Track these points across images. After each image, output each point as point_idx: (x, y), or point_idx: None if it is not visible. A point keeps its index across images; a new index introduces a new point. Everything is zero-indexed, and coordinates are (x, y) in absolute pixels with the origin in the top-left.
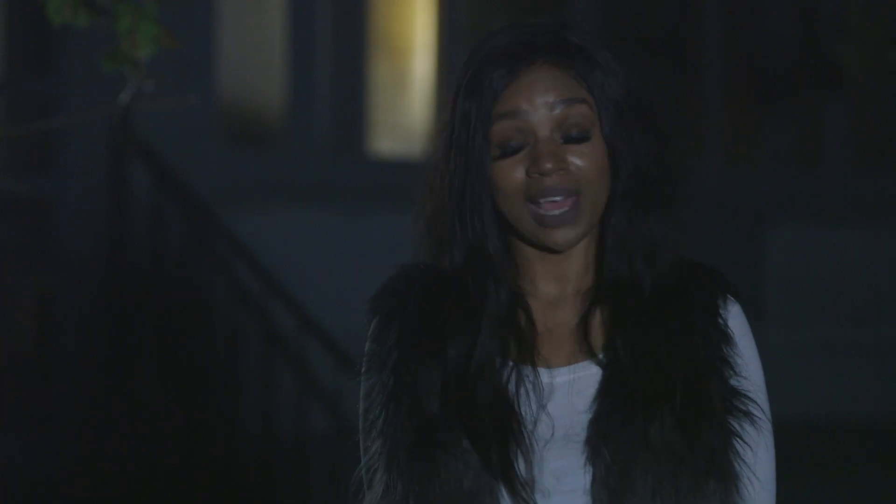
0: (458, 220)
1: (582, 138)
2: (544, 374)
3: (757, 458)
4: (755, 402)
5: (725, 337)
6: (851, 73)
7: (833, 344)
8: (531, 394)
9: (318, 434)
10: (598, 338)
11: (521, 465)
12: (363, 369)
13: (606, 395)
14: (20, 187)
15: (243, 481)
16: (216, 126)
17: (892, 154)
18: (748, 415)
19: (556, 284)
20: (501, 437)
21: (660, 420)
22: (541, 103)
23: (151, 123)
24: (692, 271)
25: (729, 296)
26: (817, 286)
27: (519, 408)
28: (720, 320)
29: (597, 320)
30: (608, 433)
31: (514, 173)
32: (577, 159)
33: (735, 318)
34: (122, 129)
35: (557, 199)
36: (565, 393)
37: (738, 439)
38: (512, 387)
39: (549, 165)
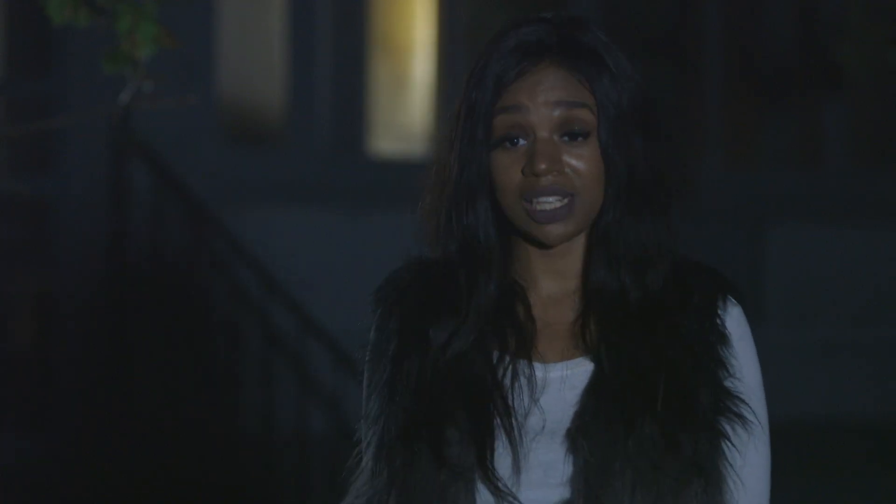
0: (455, 208)
1: (581, 133)
2: (539, 368)
3: (745, 461)
4: (747, 404)
5: (722, 337)
6: (851, 73)
7: (833, 344)
8: (524, 387)
9: (318, 434)
10: (594, 335)
11: (508, 457)
12: (367, 358)
13: (593, 393)
14: (20, 187)
15: (243, 481)
16: (216, 126)
17: (892, 154)
18: (740, 417)
19: (557, 281)
20: (482, 428)
21: (640, 430)
22: (542, 102)
23: (151, 123)
24: (692, 272)
25: (729, 297)
26: (817, 286)
27: (512, 400)
28: (718, 321)
29: (594, 318)
30: (589, 428)
31: (511, 170)
32: (573, 161)
33: (734, 320)
34: (122, 129)
35: (551, 199)
36: (558, 388)
37: (727, 441)
38: (507, 380)
39: (543, 166)
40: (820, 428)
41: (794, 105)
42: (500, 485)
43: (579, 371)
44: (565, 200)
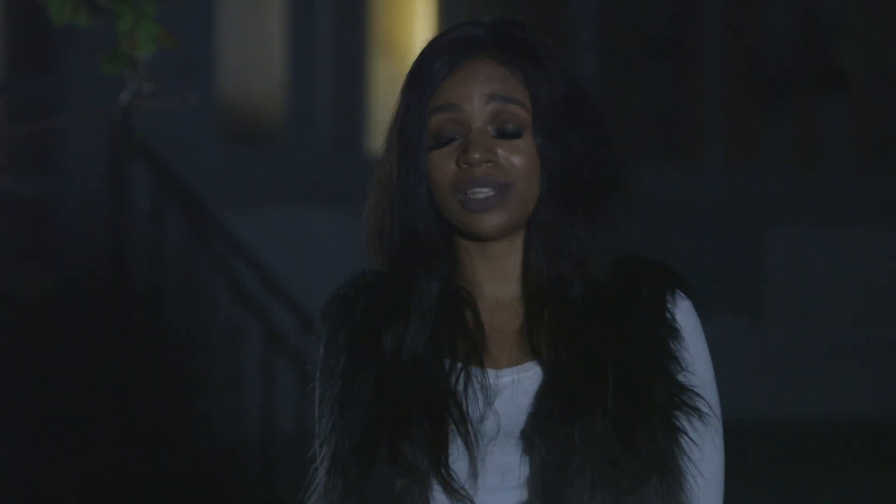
0: (396, 208)
1: (514, 134)
2: (491, 374)
3: (703, 455)
4: (702, 397)
5: (672, 331)
6: (851, 73)
7: (833, 344)
8: (479, 393)
9: None
10: (542, 339)
11: (464, 461)
12: (316, 376)
13: (546, 394)
14: (21, 187)
15: (243, 481)
16: (216, 126)
17: (892, 154)
18: (696, 410)
19: (501, 285)
20: (438, 435)
21: (591, 426)
22: (476, 94)
23: (151, 123)
24: (640, 267)
25: (678, 291)
26: (817, 287)
27: (467, 407)
28: (667, 314)
29: (541, 321)
30: (545, 428)
31: (445, 164)
32: (507, 153)
33: (684, 313)
34: (122, 129)
35: (484, 189)
36: (510, 393)
37: (684, 435)
38: (460, 387)
39: (476, 155)
40: (820, 428)
41: (794, 105)
42: (456, 486)
43: (530, 375)
44: (498, 191)
